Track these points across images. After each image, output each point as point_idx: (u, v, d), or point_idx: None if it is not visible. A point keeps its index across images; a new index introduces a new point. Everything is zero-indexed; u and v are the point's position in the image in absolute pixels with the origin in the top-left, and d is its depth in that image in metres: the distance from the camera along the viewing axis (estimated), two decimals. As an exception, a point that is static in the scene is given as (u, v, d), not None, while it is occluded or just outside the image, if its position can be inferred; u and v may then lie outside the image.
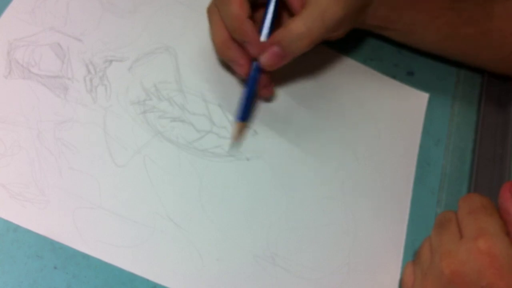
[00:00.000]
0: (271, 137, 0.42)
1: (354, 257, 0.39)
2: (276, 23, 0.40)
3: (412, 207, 0.42)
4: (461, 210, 0.35)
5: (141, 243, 0.36)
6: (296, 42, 0.38)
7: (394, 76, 0.48)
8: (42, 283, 0.34)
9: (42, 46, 0.41)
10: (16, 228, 0.35)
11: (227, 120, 0.42)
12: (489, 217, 0.33)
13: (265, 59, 0.38)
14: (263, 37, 0.39)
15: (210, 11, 0.40)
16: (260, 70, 0.39)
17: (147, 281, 0.35)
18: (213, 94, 0.42)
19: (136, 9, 0.44)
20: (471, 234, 0.32)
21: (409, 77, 0.48)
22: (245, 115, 0.41)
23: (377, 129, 0.45)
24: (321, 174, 0.42)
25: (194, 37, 0.44)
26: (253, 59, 0.39)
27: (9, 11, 0.41)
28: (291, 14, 0.40)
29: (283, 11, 0.41)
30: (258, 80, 0.40)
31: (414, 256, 0.40)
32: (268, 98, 0.43)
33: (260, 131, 0.42)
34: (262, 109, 0.43)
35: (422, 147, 0.45)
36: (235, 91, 0.43)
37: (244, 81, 0.42)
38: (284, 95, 0.44)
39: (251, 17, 0.38)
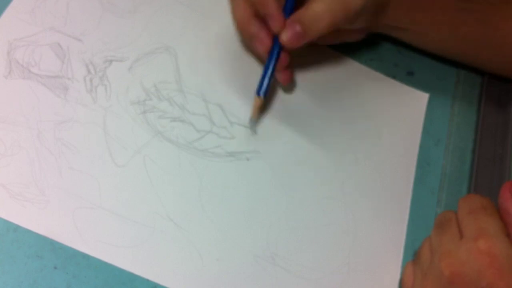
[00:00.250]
0: (271, 137, 0.42)
1: (354, 257, 0.39)
2: (300, 5, 0.40)
3: (412, 207, 0.42)
4: (461, 210, 0.35)
5: (141, 243, 0.36)
6: (316, 22, 0.38)
7: (394, 76, 0.48)
8: (42, 283, 0.34)
9: (42, 46, 0.41)
10: (16, 228, 0.35)
11: (227, 120, 0.42)
12: (489, 217, 0.33)
13: (285, 37, 0.39)
14: (285, 15, 0.39)
15: None
16: (281, 47, 0.40)
17: (147, 281, 0.35)
18: (213, 94, 0.42)
19: (136, 9, 0.44)
20: (471, 234, 0.32)
21: (409, 77, 0.48)
22: (265, 90, 0.40)
23: (377, 129, 0.45)
24: (321, 174, 0.42)
25: (194, 37, 0.44)
26: (274, 36, 0.40)
27: (9, 11, 0.41)
28: None
29: None
30: (278, 57, 0.40)
31: (414, 256, 0.40)
32: (287, 87, 0.43)
33: (260, 131, 0.42)
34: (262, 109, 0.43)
35: (422, 147, 0.45)
36: (235, 91, 0.43)
37: (263, 61, 0.42)
38: (284, 95, 0.44)
39: None
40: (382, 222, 0.41)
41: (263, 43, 0.40)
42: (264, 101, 0.41)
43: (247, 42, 0.42)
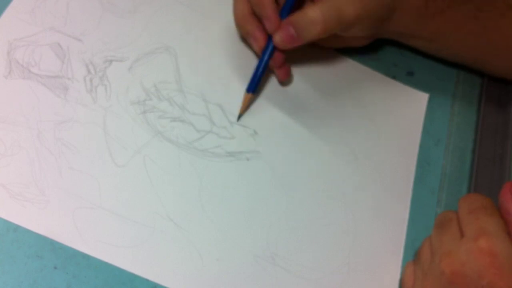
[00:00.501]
0: (271, 137, 0.42)
1: (354, 257, 0.39)
2: (299, 7, 0.40)
3: (412, 207, 0.42)
4: (461, 210, 0.35)
5: (141, 243, 0.36)
6: (310, 27, 0.38)
7: (394, 76, 0.48)
8: (42, 283, 0.34)
9: (42, 46, 0.41)
10: (16, 228, 0.35)
11: (227, 120, 0.42)
12: (489, 217, 0.33)
13: (278, 38, 0.39)
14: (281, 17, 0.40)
15: None
16: (274, 46, 0.40)
17: (147, 281, 0.35)
18: (213, 94, 0.42)
19: (136, 9, 0.44)
20: (472, 234, 0.32)
21: (409, 77, 0.48)
22: (252, 86, 0.41)
23: (377, 129, 0.45)
24: (321, 174, 0.42)
25: (194, 37, 0.44)
26: (269, 36, 0.40)
27: (9, 11, 0.41)
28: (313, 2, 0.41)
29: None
30: (271, 55, 0.41)
31: (414, 256, 0.40)
32: (285, 83, 0.44)
33: (260, 131, 0.42)
34: (262, 109, 0.43)
35: (422, 147, 0.45)
36: (235, 91, 0.43)
37: (258, 56, 0.43)
38: (284, 95, 0.44)
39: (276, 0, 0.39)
40: (382, 222, 0.41)
41: (258, 42, 0.41)
42: (253, 97, 0.42)
43: (245, 38, 0.43)
